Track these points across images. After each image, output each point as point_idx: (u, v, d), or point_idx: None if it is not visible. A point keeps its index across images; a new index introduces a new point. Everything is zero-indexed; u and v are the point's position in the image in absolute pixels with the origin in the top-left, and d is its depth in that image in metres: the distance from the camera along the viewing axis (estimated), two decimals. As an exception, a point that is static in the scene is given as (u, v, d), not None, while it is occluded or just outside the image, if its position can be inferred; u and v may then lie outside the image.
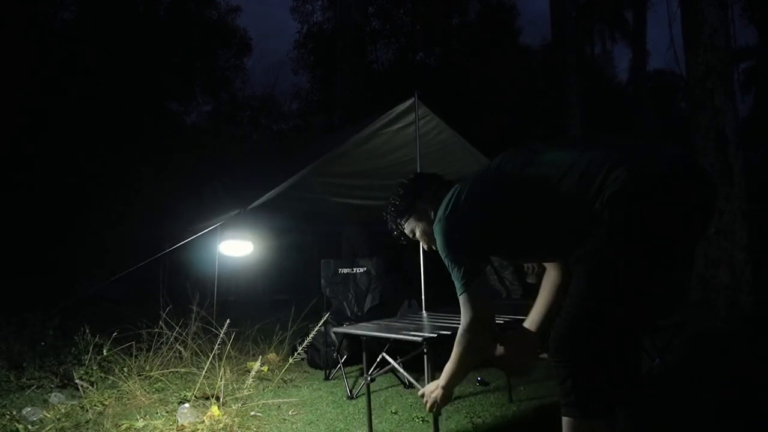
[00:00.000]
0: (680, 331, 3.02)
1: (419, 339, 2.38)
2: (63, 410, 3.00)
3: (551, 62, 12.94)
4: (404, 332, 2.54)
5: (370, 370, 2.74)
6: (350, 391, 3.50)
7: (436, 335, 2.40)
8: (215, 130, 17.56)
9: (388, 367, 2.87)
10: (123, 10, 14.39)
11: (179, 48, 15.98)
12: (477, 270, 1.73)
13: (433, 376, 2.17)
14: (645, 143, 1.95)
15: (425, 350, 2.42)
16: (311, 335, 3.35)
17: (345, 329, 3.05)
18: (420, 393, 2.03)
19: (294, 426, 2.95)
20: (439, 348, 2.29)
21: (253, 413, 2.99)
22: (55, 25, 14.21)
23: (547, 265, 1.91)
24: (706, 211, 1.53)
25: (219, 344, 3.25)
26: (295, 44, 20.70)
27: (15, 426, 2.81)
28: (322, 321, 3.57)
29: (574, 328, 1.48)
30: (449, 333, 2.38)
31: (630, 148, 1.59)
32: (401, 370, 2.77)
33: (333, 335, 4.17)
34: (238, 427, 2.80)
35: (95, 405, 3.13)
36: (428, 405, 1.97)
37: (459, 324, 1.77)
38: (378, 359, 2.97)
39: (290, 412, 3.19)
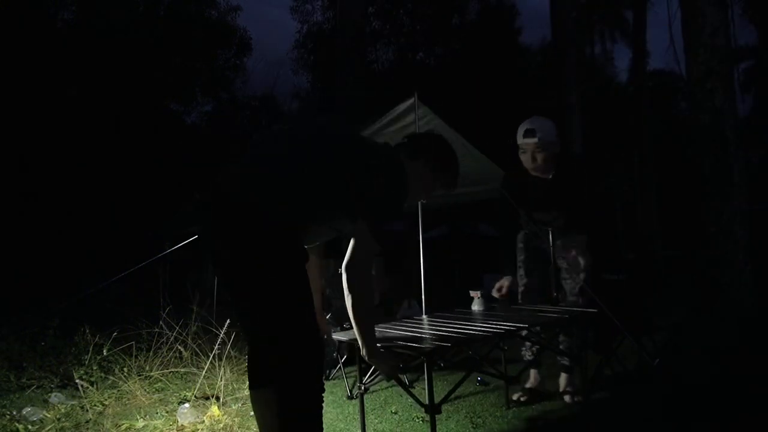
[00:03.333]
0: (680, 331, 3.02)
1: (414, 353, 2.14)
2: (63, 410, 3.00)
3: (551, 62, 12.94)
4: (399, 343, 2.27)
5: (365, 379, 2.56)
6: (350, 391, 3.50)
7: (433, 347, 2.16)
8: (215, 130, 17.56)
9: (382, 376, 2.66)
10: (123, 10, 14.39)
11: (179, 48, 15.97)
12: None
13: (435, 383, 2.09)
14: None
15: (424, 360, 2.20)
16: (311, 335, 3.34)
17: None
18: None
19: (294, 426, 2.95)
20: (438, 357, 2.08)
21: (253, 413, 2.99)
22: (55, 25, 14.22)
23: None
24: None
25: (219, 344, 3.26)
26: (295, 44, 20.78)
27: (15, 426, 2.81)
28: (322, 321, 3.56)
29: None
30: (449, 345, 2.21)
31: None
32: (398, 384, 2.51)
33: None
34: (238, 427, 2.81)
35: (95, 405, 3.12)
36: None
37: (461, 331, 1.61)
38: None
39: (290, 412, 3.19)
